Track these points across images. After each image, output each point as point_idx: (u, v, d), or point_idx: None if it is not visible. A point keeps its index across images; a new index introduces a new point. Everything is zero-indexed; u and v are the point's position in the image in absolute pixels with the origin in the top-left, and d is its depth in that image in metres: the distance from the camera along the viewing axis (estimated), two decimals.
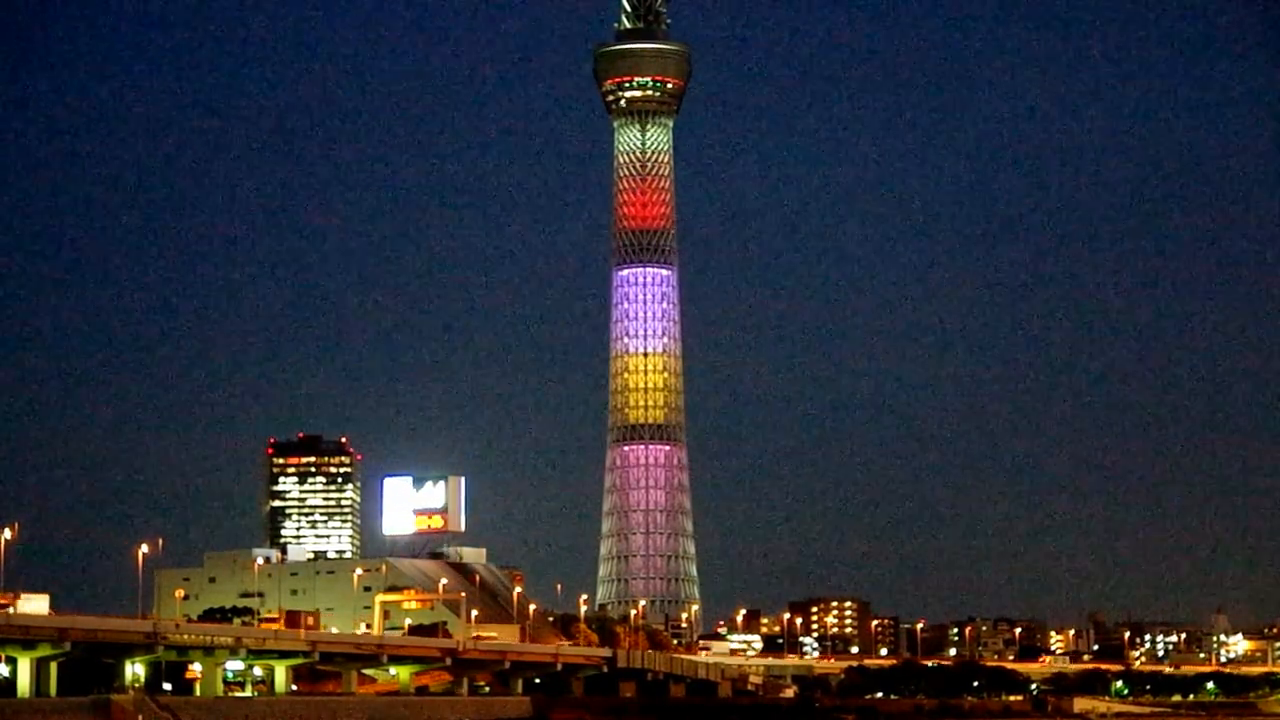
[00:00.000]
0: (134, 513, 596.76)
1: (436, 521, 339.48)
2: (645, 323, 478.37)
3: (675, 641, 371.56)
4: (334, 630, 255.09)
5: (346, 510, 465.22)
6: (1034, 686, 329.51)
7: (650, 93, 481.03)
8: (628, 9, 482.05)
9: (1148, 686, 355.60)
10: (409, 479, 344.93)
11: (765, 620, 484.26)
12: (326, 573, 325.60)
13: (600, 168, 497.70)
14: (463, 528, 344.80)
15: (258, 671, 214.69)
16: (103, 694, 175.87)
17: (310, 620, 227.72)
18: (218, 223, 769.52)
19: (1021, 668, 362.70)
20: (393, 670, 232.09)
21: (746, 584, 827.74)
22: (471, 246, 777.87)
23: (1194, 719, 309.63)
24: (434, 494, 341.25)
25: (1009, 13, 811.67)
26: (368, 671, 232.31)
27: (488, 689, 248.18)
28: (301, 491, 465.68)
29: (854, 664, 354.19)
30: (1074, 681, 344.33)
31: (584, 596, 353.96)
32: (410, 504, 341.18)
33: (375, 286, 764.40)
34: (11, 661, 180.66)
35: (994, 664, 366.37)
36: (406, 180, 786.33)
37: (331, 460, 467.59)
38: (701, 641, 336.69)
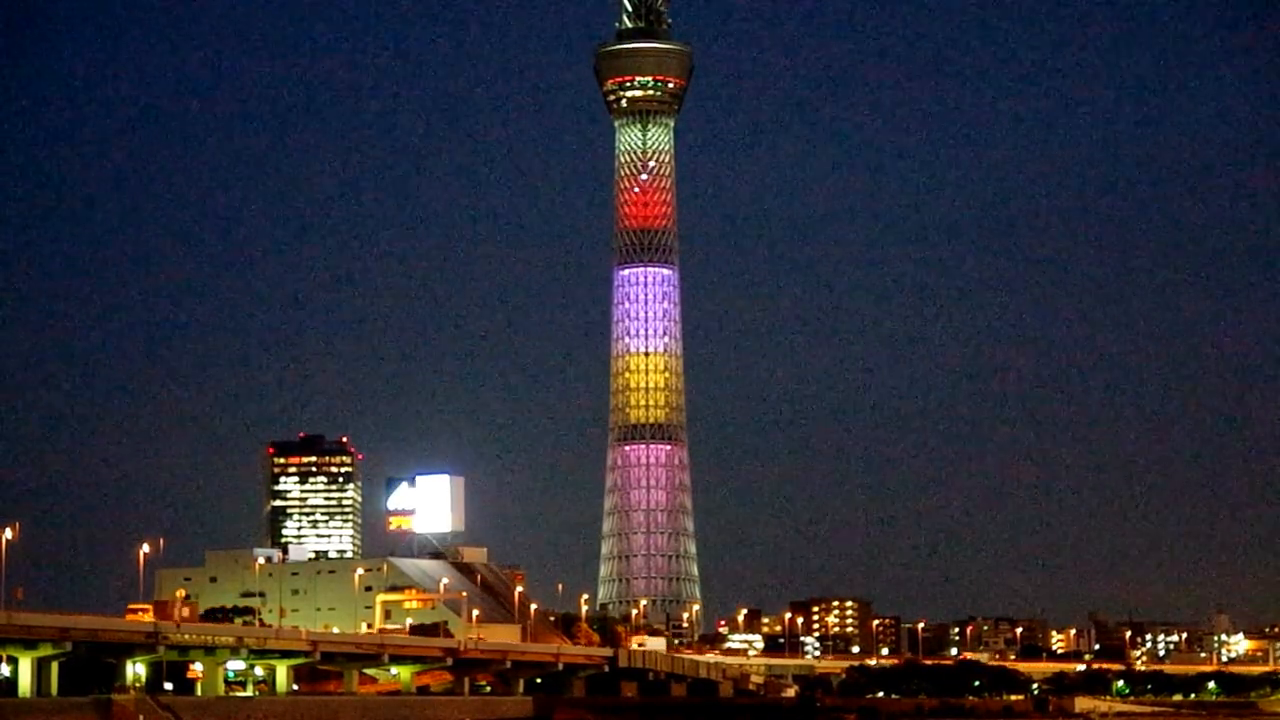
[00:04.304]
0: (134, 513, 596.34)
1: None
2: (646, 322, 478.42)
3: (676, 641, 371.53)
4: (335, 630, 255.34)
5: (348, 510, 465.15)
6: (1035, 686, 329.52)
7: (651, 92, 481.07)
8: (629, 9, 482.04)
9: (1149, 686, 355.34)
10: (419, 477, 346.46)
11: (767, 620, 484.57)
12: (328, 572, 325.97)
13: (601, 168, 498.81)
14: (463, 527, 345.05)
15: (259, 671, 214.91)
16: (104, 694, 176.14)
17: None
18: (218, 222, 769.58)
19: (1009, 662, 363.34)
20: (394, 670, 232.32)
21: (748, 584, 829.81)
22: (472, 245, 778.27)
23: (1195, 718, 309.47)
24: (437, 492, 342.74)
25: (1011, 13, 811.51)
26: (369, 671, 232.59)
27: (489, 689, 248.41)
28: (302, 491, 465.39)
29: (855, 664, 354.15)
30: (1075, 681, 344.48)
31: (585, 596, 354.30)
32: (415, 504, 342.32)
33: (375, 286, 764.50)
34: (13, 661, 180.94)
35: (995, 663, 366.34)
36: (406, 180, 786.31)
37: (332, 460, 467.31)
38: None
